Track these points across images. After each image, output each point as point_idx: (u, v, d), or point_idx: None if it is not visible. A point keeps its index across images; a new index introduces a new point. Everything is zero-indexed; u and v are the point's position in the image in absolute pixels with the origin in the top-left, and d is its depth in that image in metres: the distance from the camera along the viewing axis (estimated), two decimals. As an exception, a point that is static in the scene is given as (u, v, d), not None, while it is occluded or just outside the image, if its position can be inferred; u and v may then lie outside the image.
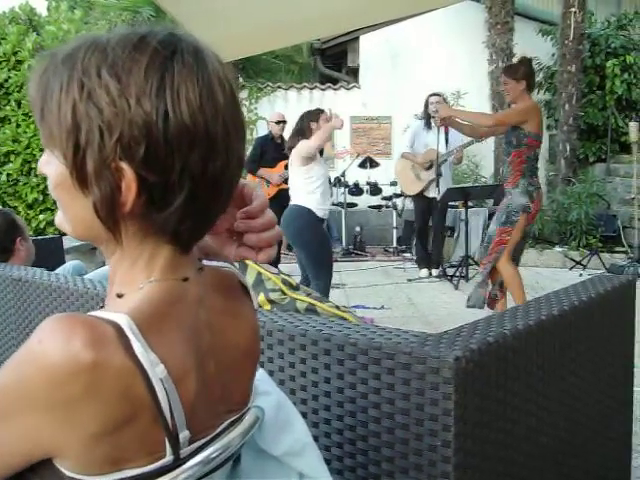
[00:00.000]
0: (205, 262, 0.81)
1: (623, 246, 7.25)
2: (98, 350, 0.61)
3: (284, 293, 2.13)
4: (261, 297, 2.09)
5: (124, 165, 0.65)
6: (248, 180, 5.94)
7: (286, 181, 5.00)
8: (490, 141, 8.05)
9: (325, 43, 10.45)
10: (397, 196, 8.38)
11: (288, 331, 1.32)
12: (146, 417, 0.65)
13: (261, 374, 0.94)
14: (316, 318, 1.45)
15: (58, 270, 2.74)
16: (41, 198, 6.75)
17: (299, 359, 1.30)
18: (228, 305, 0.81)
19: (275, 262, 4.53)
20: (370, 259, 7.86)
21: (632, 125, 6.94)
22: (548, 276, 6.26)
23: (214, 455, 0.74)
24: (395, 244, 8.30)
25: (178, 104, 0.65)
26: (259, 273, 2.14)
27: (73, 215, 0.72)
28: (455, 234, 7.39)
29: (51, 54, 0.69)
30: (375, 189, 8.84)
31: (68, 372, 0.60)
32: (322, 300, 2.21)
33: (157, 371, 0.65)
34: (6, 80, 6.76)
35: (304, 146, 3.95)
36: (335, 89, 10.02)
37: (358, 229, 8.39)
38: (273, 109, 8.72)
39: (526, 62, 4.18)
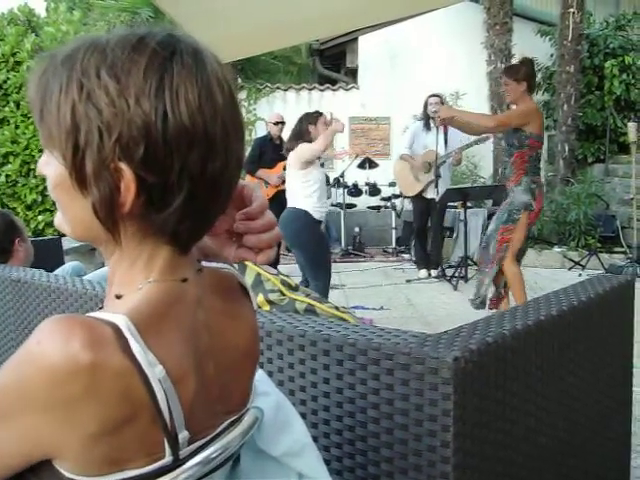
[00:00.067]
0: (204, 263, 0.81)
1: (622, 246, 7.24)
2: (97, 351, 0.62)
3: (283, 294, 2.13)
4: (260, 298, 2.09)
5: (123, 166, 0.65)
6: (247, 181, 5.93)
7: (284, 182, 5.00)
8: (489, 141, 8.05)
9: (324, 44, 10.45)
10: (396, 197, 8.38)
11: (287, 332, 1.31)
12: (145, 417, 0.65)
13: (260, 375, 0.94)
14: (315, 319, 1.44)
15: (57, 271, 2.74)
16: (40, 199, 6.73)
17: (298, 360, 1.30)
18: (227, 306, 0.81)
19: (274, 263, 4.53)
20: (369, 260, 7.85)
21: (631, 125, 6.93)
22: (547, 276, 6.26)
23: (213, 455, 0.74)
24: (394, 245, 8.30)
25: (177, 105, 0.65)
26: (258, 274, 2.14)
27: (72, 216, 0.72)
28: (454, 235, 7.39)
29: (50, 55, 0.69)
30: (374, 190, 8.83)
31: (67, 373, 0.61)
32: (321, 301, 2.21)
33: (156, 371, 0.65)
34: (5, 81, 6.75)
35: (306, 150, 3.93)
36: (334, 90, 10.02)
37: (357, 230, 8.39)
38: (272, 110, 8.72)
39: (527, 63, 4.10)
